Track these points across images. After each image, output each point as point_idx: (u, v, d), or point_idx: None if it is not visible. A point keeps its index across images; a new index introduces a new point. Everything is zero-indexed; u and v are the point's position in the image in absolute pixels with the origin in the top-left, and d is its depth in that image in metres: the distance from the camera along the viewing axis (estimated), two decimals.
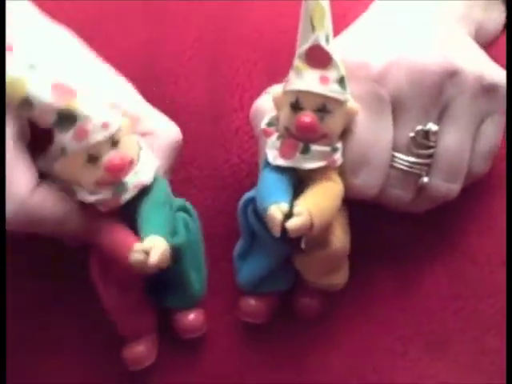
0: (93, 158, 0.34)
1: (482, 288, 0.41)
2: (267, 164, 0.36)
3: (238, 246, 0.39)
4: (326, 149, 0.36)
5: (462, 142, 0.37)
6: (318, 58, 0.35)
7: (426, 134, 0.37)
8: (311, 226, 0.34)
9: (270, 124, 0.37)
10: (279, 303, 0.40)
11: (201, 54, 0.43)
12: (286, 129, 0.36)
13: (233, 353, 0.40)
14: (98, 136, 0.34)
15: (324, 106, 0.35)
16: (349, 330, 0.41)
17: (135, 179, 0.35)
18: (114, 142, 0.34)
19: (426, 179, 0.38)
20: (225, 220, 0.40)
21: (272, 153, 0.36)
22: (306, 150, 0.36)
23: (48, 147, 0.35)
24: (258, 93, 0.41)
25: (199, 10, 0.44)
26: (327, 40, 0.35)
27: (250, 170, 0.41)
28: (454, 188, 0.38)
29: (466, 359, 0.41)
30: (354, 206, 0.38)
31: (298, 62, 0.35)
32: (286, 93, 0.36)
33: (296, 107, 0.35)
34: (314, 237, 0.37)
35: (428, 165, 0.38)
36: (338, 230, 0.37)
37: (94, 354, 0.41)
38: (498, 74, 0.38)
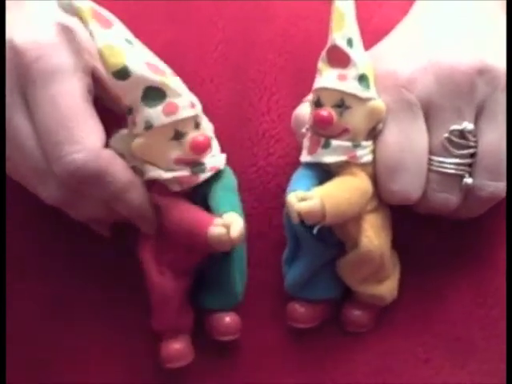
0: (178, 135, 0.36)
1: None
2: (300, 163, 0.39)
3: (285, 252, 0.40)
4: (347, 144, 0.37)
5: (502, 139, 0.38)
6: (337, 59, 0.37)
7: (462, 133, 0.38)
8: (323, 212, 0.35)
9: (308, 129, 0.39)
10: (329, 312, 0.41)
11: (226, 56, 0.43)
12: (312, 127, 0.38)
13: (261, 354, 0.41)
14: (187, 113, 0.36)
15: (342, 102, 0.37)
16: (373, 334, 0.42)
17: (212, 161, 0.37)
18: (196, 124, 0.37)
19: (469, 180, 0.38)
20: (250, 223, 0.40)
21: (303, 152, 0.38)
22: (326, 145, 0.37)
23: (118, 129, 0.37)
24: (284, 96, 0.42)
25: (224, 12, 0.44)
26: (349, 42, 0.37)
27: (275, 173, 0.41)
28: (501, 186, 0.38)
29: (490, 368, 0.41)
30: None
31: (320, 64, 0.38)
32: (311, 93, 0.38)
33: (318, 104, 0.37)
34: (346, 236, 0.38)
35: (470, 165, 0.38)
36: (369, 231, 0.38)
37: (131, 349, 0.42)
38: None
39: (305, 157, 0.38)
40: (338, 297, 0.41)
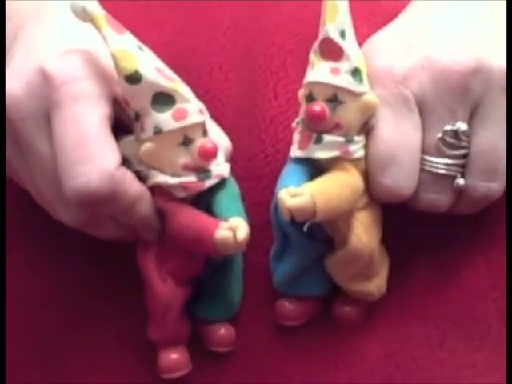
0: (187, 141, 0.37)
1: None
2: (289, 158, 0.39)
3: (273, 248, 0.41)
4: (340, 139, 0.37)
5: (496, 139, 0.38)
6: (330, 51, 0.37)
7: (456, 133, 0.38)
8: (314, 209, 0.35)
9: (299, 122, 0.39)
10: (318, 309, 0.42)
11: (235, 41, 0.43)
12: (303, 121, 0.38)
13: (269, 349, 0.42)
14: (196, 118, 0.37)
15: (335, 96, 0.37)
16: (385, 320, 0.42)
17: (217, 169, 0.38)
18: (204, 131, 0.37)
19: (461, 181, 0.38)
20: (261, 211, 0.41)
21: (293, 147, 0.39)
22: (318, 140, 0.38)
23: (125, 134, 0.38)
24: (293, 81, 0.42)
25: None
26: (342, 34, 0.37)
27: (285, 160, 0.41)
28: (495, 187, 0.39)
29: (504, 350, 0.41)
30: None
31: (312, 56, 0.38)
32: (303, 87, 0.38)
33: (310, 99, 0.37)
34: (336, 233, 0.39)
35: (462, 166, 0.38)
36: (358, 229, 0.38)
37: (130, 358, 0.42)
38: None
39: (295, 151, 0.38)
40: (328, 293, 0.41)
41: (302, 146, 0.38)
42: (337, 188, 0.37)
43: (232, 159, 0.41)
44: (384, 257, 0.41)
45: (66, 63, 0.37)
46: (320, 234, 0.39)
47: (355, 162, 0.38)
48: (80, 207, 0.37)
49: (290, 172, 0.39)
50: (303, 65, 0.41)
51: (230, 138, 0.41)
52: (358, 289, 0.40)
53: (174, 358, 0.40)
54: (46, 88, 0.36)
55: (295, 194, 0.36)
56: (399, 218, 0.41)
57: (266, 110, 0.42)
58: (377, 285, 0.40)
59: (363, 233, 0.38)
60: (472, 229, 0.42)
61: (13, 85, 0.37)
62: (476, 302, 0.42)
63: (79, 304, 0.43)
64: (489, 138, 0.38)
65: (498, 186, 0.38)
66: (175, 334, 0.40)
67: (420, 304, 0.42)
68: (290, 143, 0.41)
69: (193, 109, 0.37)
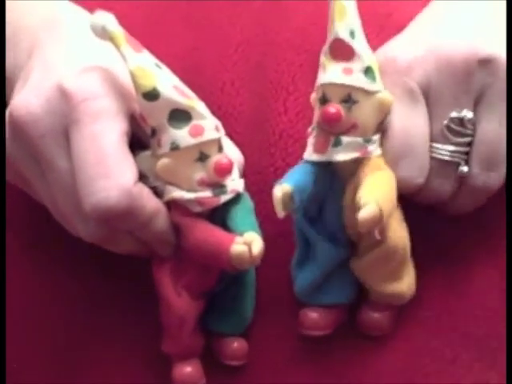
0: (203, 157, 0.37)
1: None
2: (302, 161, 0.39)
3: (294, 256, 0.40)
4: (358, 140, 0.37)
5: (500, 129, 0.38)
6: (341, 51, 0.37)
7: (461, 121, 0.38)
8: (381, 216, 0.35)
9: (314, 128, 0.39)
10: (345, 317, 0.41)
11: (246, 57, 0.44)
12: (318, 124, 0.38)
13: (280, 363, 0.41)
14: (212, 135, 0.37)
15: (349, 97, 0.37)
16: (398, 335, 0.42)
17: (232, 184, 0.38)
18: (220, 147, 0.38)
19: (465, 168, 0.39)
20: (270, 224, 0.41)
21: (308, 150, 0.38)
22: (337, 143, 0.37)
23: (140, 149, 0.38)
24: (302, 95, 0.42)
25: (243, 14, 0.45)
26: (352, 34, 0.37)
27: None
28: (494, 176, 0.39)
29: None
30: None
31: (323, 59, 0.38)
32: (315, 91, 0.38)
33: (323, 101, 0.37)
34: (365, 234, 0.38)
35: (467, 153, 0.39)
36: (394, 223, 0.38)
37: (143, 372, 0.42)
38: None
39: (311, 155, 0.38)
40: (352, 300, 0.41)
41: (321, 149, 0.38)
42: (389, 188, 0.37)
43: (242, 173, 0.41)
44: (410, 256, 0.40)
45: (84, 81, 0.37)
46: (342, 238, 0.39)
47: (381, 157, 0.38)
48: (98, 223, 0.37)
49: (294, 171, 0.38)
50: (313, 79, 0.42)
51: (241, 153, 0.41)
52: (389, 290, 0.39)
53: (187, 371, 0.40)
54: (65, 105, 0.37)
55: (363, 204, 0.35)
56: (413, 232, 0.40)
57: (275, 125, 0.42)
58: (408, 284, 0.40)
59: (399, 227, 0.38)
60: (485, 241, 0.42)
61: (32, 102, 0.37)
62: (487, 318, 0.41)
63: (90, 315, 0.43)
64: (491, 127, 0.38)
65: (497, 175, 0.39)
66: (189, 347, 0.40)
67: (433, 319, 0.41)
68: (299, 157, 0.41)
69: (209, 125, 0.37)
